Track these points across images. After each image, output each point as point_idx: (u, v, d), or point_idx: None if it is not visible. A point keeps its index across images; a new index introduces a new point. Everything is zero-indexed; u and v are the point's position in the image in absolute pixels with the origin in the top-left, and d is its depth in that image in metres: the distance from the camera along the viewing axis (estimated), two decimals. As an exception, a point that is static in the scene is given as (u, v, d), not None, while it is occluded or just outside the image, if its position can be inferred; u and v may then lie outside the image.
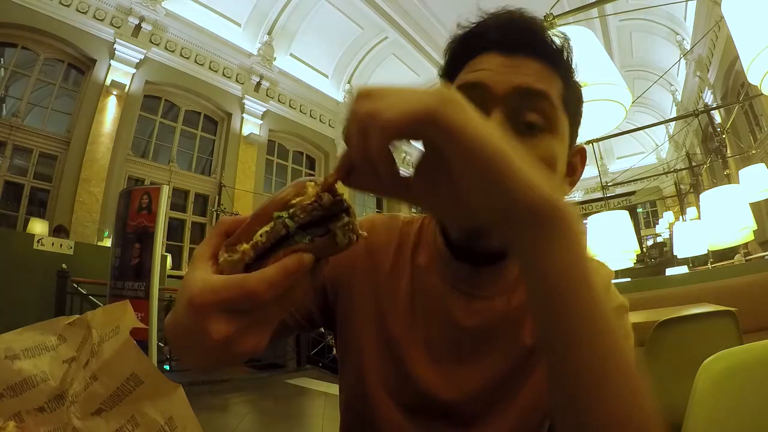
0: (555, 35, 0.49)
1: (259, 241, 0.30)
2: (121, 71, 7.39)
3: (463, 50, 0.51)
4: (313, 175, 10.88)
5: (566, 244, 0.30)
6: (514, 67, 0.46)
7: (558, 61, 0.49)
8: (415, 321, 0.54)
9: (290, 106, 10.18)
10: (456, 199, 0.31)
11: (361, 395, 0.55)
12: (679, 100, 10.40)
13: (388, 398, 0.53)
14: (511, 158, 0.28)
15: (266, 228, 0.30)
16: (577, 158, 0.54)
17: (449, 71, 0.52)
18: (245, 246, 0.30)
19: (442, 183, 0.32)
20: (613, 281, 0.57)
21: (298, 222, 0.30)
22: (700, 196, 3.34)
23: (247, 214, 0.33)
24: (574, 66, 0.51)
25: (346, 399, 0.59)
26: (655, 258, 11.41)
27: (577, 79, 0.51)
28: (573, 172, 0.53)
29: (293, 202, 0.31)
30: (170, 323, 0.33)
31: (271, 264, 0.29)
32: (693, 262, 7.17)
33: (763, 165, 3.78)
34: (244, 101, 9.22)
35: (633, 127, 5.65)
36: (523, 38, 0.48)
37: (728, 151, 4.89)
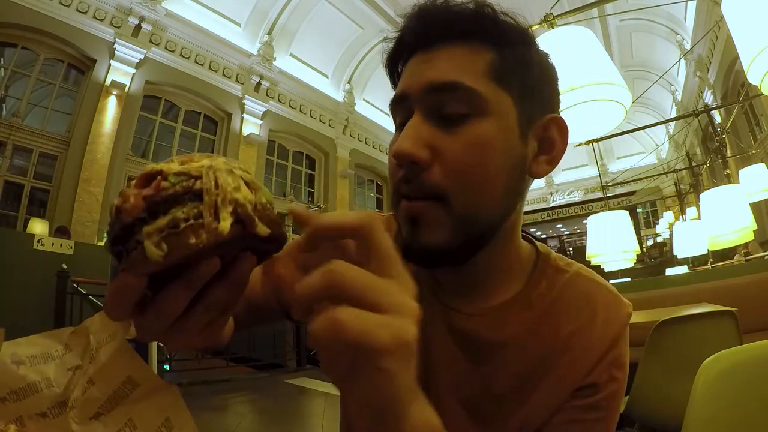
0: (467, 8, 0.44)
1: None
2: (121, 71, 7.39)
3: (394, 65, 0.50)
4: (313, 176, 10.90)
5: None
6: (426, 63, 0.44)
7: (480, 34, 0.44)
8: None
9: (290, 106, 10.18)
10: None
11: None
12: (679, 100, 10.41)
13: None
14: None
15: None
16: (551, 131, 0.47)
17: (394, 84, 0.51)
18: None
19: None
20: (614, 281, 0.55)
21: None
22: (700, 196, 3.33)
23: None
24: (511, 25, 0.46)
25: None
26: (655, 258, 11.41)
27: (522, 45, 0.46)
28: (550, 147, 0.47)
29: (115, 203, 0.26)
30: None
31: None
32: (693, 262, 7.17)
33: (763, 165, 3.78)
34: (244, 101, 9.22)
35: (633, 127, 5.66)
36: (430, 29, 0.45)
37: (728, 151, 4.89)
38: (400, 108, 0.47)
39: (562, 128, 0.48)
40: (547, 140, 0.47)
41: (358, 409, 0.27)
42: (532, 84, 0.46)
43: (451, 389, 0.50)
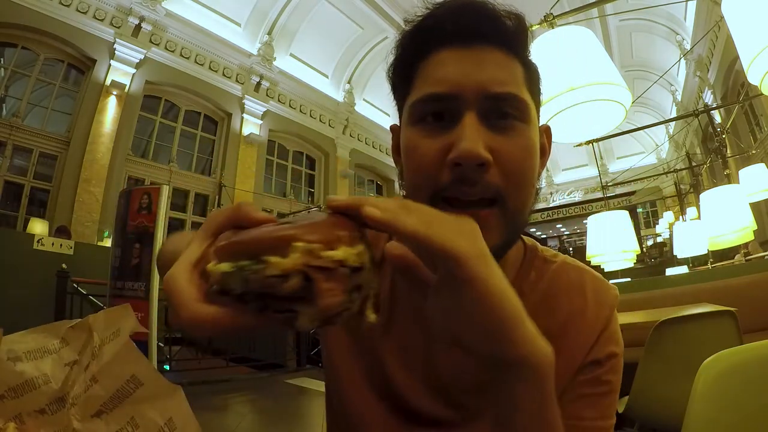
0: (508, 17, 0.46)
1: (218, 280, 0.26)
2: (121, 71, 7.40)
3: (416, 47, 0.48)
4: (313, 176, 10.90)
5: (544, 397, 0.32)
6: (476, 64, 0.44)
7: (516, 45, 0.46)
8: (392, 325, 0.53)
9: (290, 106, 10.19)
10: (450, 323, 0.31)
11: (336, 390, 0.55)
12: (679, 100, 10.41)
13: (362, 396, 0.53)
14: (522, 316, 0.30)
15: (227, 267, 0.26)
16: (543, 138, 0.52)
17: (402, 72, 0.49)
18: (226, 267, 0.26)
19: (445, 307, 0.31)
20: (614, 281, 0.56)
21: (245, 288, 0.26)
22: (700, 196, 3.33)
23: (262, 215, 0.29)
24: (529, 47, 0.49)
25: (326, 392, 0.60)
26: (655, 258, 11.42)
27: (531, 57, 0.49)
28: (543, 152, 0.51)
29: (265, 258, 0.25)
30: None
31: (227, 304, 0.26)
32: (693, 262, 7.17)
33: (763, 165, 3.78)
34: (244, 101, 9.23)
35: (633, 127, 5.65)
36: (479, 25, 0.45)
37: (728, 151, 4.89)
38: (441, 105, 0.45)
39: (550, 136, 0.53)
40: (541, 147, 0.50)
41: (464, 327, 0.30)
42: (540, 94, 0.51)
43: (450, 381, 0.50)
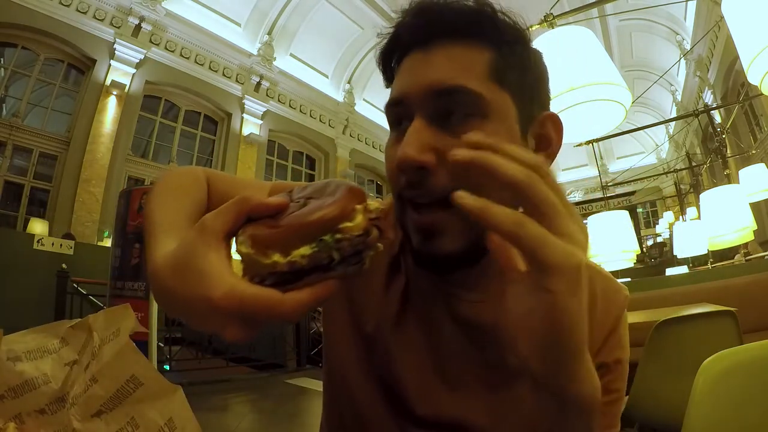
0: (468, 6, 0.44)
1: (299, 262, 0.29)
2: (121, 71, 7.40)
3: (387, 62, 0.49)
4: (313, 176, 10.89)
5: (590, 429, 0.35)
6: (426, 63, 0.43)
7: (480, 31, 0.44)
8: (402, 326, 0.52)
9: (290, 106, 10.19)
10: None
11: (338, 389, 0.55)
12: (679, 100, 10.41)
13: (367, 395, 0.52)
14: (585, 351, 0.30)
15: (308, 250, 0.29)
16: (547, 128, 0.47)
17: (386, 81, 0.50)
18: (279, 258, 0.29)
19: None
20: None
21: (342, 254, 0.30)
22: (700, 196, 3.33)
23: (275, 201, 0.32)
24: (509, 24, 0.45)
25: (324, 391, 0.59)
26: (655, 258, 11.41)
27: (518, 45, 0.46)
28: (547, 144, 0.47)
29: (341, 227, 0.29)
30: (168, 287, 0.31)
31: (303, 286, 0.29)
32: (693, 262, 7.17)
33: (763, 165, 3.78)
34: (244, 101, 9.23)
35: (633, 127, 5.65)
36: (432, 25, 0.44)
37: (728, 151, 4.89)
38: (397, 110, 0.45)
39: (557, 124, 0.48)
40: (544, 137, 0.47)
41: (526, 334, 0.30)
42: (531, 83, 0.47)
43: (459, 375, 0.50)
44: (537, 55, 0.49)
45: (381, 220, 0.32)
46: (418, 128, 0.42)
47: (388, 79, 0.50)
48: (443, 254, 0.43)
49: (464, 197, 0.28)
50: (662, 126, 10.31)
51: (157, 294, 0.33)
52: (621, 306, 0.51)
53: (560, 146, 0.48)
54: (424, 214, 0.43)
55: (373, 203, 0.33)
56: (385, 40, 0.48)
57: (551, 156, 0.48)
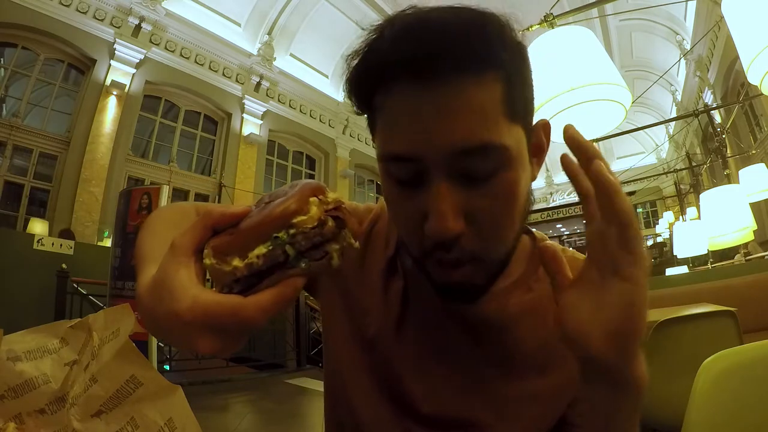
0: (469, 28, 0.37)
1: (255, 263, 0.28)
2: (121, 71, 7.40)
3: (366, 89, 0.41)
4: (313, 176, 10.89)
5: (637, 414, 0.38)
6: (438, 112, 0.37)
7: (489, 54, 0.37)
8: (404, 328, 0.52)
9: (290, 106, 10.18)
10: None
11: (338, 390, 0.55)
12: (679, 100, 10.41)
13: (368, 397, 0.52)
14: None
15: (263, 249, 0.28)
16: (540, 135, 0.46)
17: (362, 108, 0.44)
18: (238, 262, 0.29)
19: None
20: None
21: (298, 249, 0.29)
22: (700, 196, 3.34)
23: (238, 209, 0.32)
24: (514, 42, 0.40)
25: (325, 392, 0.59)
26: (655, 258, 11.40)
27: (517, 61, 0.41)
28: (540, 151, 0.46)
29: (294, 221, 0.29)
30: (147, 309, 0.32)
31: (265, 287, 0.29)
32: (693, 262, 7.16)
33: (763, 165, 3.78)
34: (244, 101, 9.23)
35: (633, 127, 5.65)
36: (438, 54, 0.36)
37: (728, 151, 4.89)
38: (404, 166, 0.40)
39: (548, 129, 0.48)
40: (538, 146, 0.47)
41: (602, 328, 0.32)
42: (531, 98, 0.45)
43: (463, 373, 0.50)
44: (530, 66, 0.45)
45: (341, 210, 0.31)
46: (445, 194, 0.38)
47: (364, 109, 0.44)
48: (470, 289, 0.45)
49: (603, 172, 0.31)
50: (662, 126, 10.30)
51: (142, 317, 0.34)
52: None
53: (548, 147, 0.48)
54: (453, 273, 0.42)
55: (331, 194, 0.32)
56: (361, 66, 0.40)
57: (542, 160, 0.47)
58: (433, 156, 0.38)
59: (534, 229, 0.57)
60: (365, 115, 0.45)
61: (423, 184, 0.39)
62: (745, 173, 3.83)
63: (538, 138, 0.46)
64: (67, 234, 5.92)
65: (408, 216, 0.42)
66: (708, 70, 8.30)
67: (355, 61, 0.41)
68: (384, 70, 0.38)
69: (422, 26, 0.37)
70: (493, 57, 0.38)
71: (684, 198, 9.08)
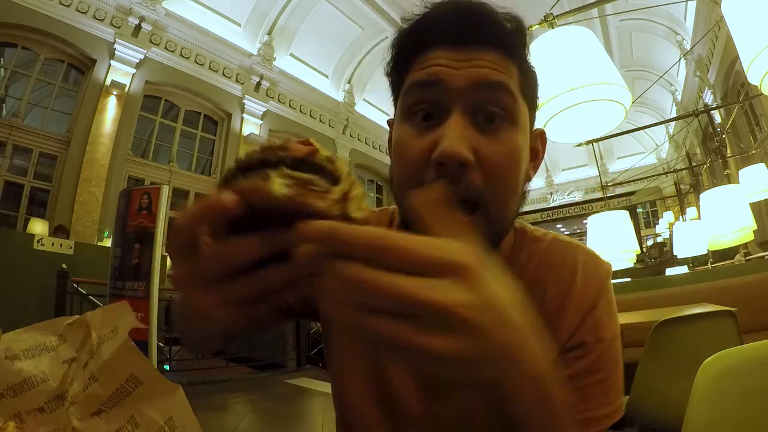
0: (506, 19, 0.45)
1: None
2: (121, 71, 7.40)
3: (411, 46, 0.46)
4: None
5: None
6: (468, 60, 0.43)
7: (513, 48, 0.45)
8: None
9: (290, 106, 10.19)
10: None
11: (338, 390, 0.55)
12: (679, 100, 10.41)
13: (364, 396, 0.52)
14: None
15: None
16: (537, 142, 0.51)
17: (397, 69, 0.48)
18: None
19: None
20: (614, 281, 0.54)
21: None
22: (700, 196, 3.33)
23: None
24: (527, 50, 0.47)
25: (333, 395, 0.59)
26: (655, 258, 11.39)
27: (531, 62, 0.48)
28: (535, 156, 0.51)
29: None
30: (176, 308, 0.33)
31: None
32: (693, 262, 7.16)
33: (763, 165, 3.78)
34: (244, 101, 9.23)
35: (633, 127, 5.66)
36: (474, 28, 0.44)
37: (728, 151, 4.90)
38: (426, 93, 0.44)
39: (544, 140, 0.52)
40: (534, 150, 0.50)
41: None
42: (536, 98, 0.50)
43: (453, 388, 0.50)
44: (536, 78, 0.51)
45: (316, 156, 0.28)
46: (462, 124, 0.41)
47: (397, 68, 0.48)
48: None
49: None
50: (662, 126, 10.30)
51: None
52: (602, 279, 0.51)
53: (542, 159, 0.53)
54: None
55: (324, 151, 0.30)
56: (410, 25, 0.47)
57: (537, 167, 0.51)
58: (455, 83, 0.42)
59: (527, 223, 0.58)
60: (391, 78, 0.50)
61: (439, 121, 0.43)
62: (745, 173, 3.83)
63: (534, 143, 0.50)
64: (60, 230, 5.91)
65: (416, 152, 0.43)
66: (708, 70, 8.31)
67: (407, 24, 0.47)
68: (431, 32, 0.45)
69: (473, 6, 0.44)
70: (514, 49, 0.45)
71: (684, 198, 9.08)
